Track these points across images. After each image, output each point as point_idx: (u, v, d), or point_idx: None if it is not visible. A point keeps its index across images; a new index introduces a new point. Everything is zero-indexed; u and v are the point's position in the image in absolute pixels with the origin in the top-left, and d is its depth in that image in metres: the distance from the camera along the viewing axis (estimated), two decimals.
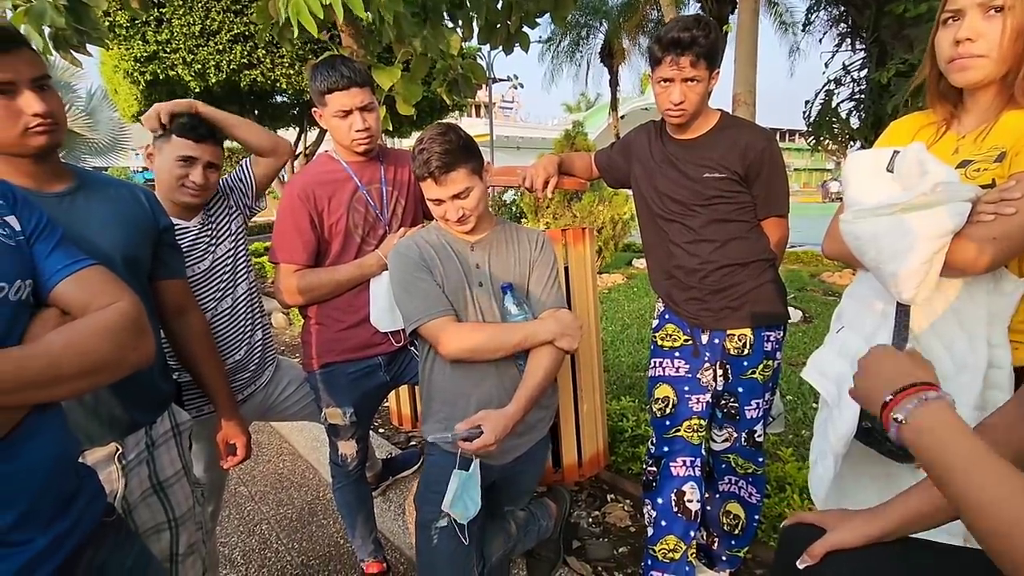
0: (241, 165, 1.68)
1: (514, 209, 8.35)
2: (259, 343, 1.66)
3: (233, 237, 1.61)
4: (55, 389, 0.72)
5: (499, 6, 2.61)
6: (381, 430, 2.95)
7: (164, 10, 7.04)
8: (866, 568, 0.75)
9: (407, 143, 16.51)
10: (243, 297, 1.62)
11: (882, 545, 0.76)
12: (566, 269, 1.95)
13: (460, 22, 2.73)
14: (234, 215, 1.63)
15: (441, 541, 1.36)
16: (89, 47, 2.23)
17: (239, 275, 1.61)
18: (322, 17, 1.87)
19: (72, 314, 0.79)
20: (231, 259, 1.59)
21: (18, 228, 0.78)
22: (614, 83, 18.46)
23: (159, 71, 7.39)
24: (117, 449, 1.09)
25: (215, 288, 1.55)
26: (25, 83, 0.93)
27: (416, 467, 2.35)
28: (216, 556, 1.78)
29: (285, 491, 2.63)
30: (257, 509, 2.48)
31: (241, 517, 2.42)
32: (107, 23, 6.77)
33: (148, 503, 1.16)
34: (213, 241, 1.55)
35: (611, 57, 17.39)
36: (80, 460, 1.01)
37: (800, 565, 0.77)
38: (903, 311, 0.99)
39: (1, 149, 0.95)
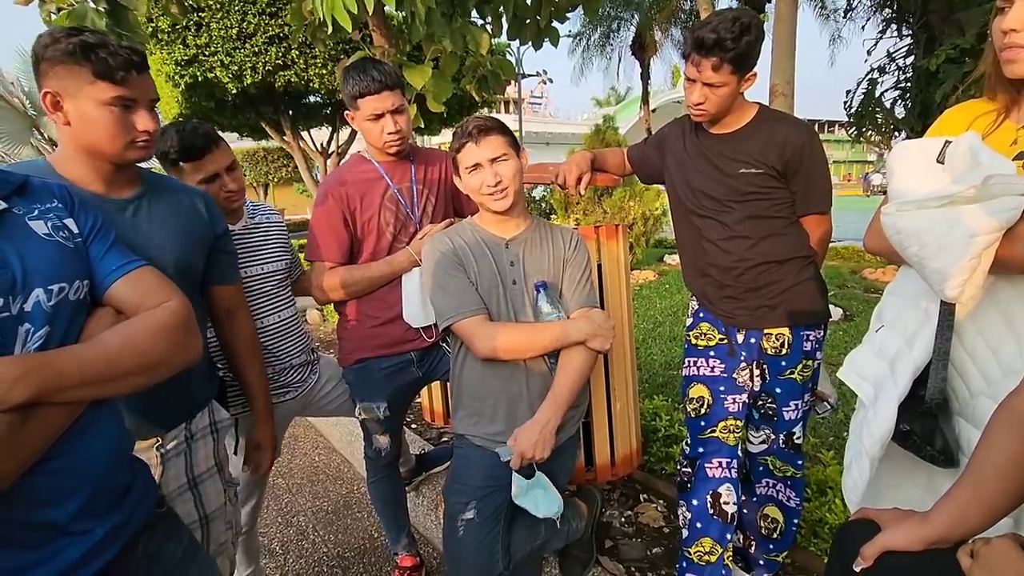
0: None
1: (543, 205, 8.32)
2: (301, 352, 1.69)
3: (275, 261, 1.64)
4: (112, 385, 0.75)
5: (528, 1, 2.58)
6: (413, 426, 2.99)
7: (203, 14, 7.27)
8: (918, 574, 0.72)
9: (437, 140, 16.62)
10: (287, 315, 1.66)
11: (938, 550, 0.73)
12: (599, 267, 1.93)
13: (489, 17, 2.72)
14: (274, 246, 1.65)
15: (467, 532, 1.37)
16: None
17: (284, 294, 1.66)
18: (356, 12, 1.89)
19: (125, 313, 0.83)
20: (273, 277, 1.62)
21: (76, 230, 0.82)
22: (645, 76, 18.10)
23: (198, 74, 7.64)
24: (157, 440, 1.13)
25: (263, 298, 1.59)
26: (144, 103, 1.01)
27: (448, 463, 2.38)
28: (258, 546, 1.84)
29: (321, 484, 2.69)
30: (294, 501, 2.55)
31: (279, 508, 2.49)
32: (150, 29, 7.02)
33: (183, 499, 1.19)
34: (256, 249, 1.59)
35: (642, 50, 17.05)
36: None
37: (856, 568, 0.77)
38: (947, 310, 0.94)
39: (100, 154, 1.00)
